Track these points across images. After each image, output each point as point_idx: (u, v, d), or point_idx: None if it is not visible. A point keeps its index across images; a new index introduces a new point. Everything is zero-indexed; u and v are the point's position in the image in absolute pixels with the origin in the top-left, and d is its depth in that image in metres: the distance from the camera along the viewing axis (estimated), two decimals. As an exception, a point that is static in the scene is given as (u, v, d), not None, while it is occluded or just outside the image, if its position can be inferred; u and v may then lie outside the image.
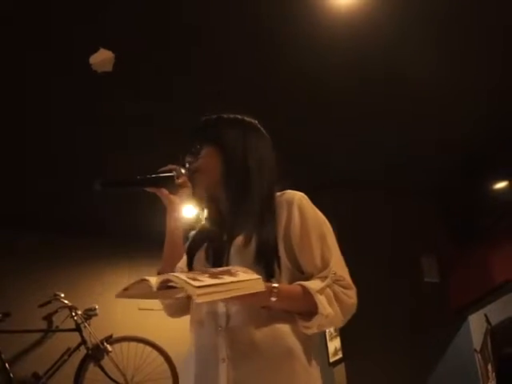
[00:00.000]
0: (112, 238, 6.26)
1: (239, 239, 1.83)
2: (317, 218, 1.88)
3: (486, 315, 5.29)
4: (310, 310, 1.69)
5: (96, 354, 5.41)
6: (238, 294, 1.55)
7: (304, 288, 1.71)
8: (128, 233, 6.20)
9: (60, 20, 3.85)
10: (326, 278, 1.75)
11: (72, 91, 4.44)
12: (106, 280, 6.37)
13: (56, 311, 5.57)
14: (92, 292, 6.17)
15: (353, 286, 1.79)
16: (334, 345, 5.66)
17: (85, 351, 5.45)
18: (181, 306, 2.00)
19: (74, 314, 5.52)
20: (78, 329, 5.50)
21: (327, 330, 5.81)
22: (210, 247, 1.94)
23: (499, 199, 5.44)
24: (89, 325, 5.51)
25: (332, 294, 1.72)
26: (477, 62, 4.60)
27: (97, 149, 5.16)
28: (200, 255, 1.94)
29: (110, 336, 5.51)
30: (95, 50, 3.69)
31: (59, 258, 6.12)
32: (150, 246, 6.38)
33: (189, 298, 1.75)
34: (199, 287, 1.48)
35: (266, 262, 1.76)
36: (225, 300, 1.64)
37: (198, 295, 1.47)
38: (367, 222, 5.93)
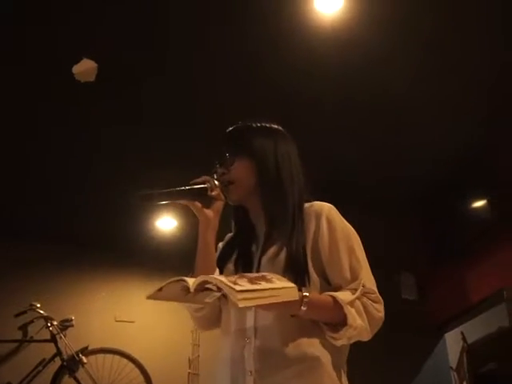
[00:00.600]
0: (89, 249, 6.22)
1: (272, 250, 1.83)
2: (345, 230, 1.89)
3: (462, 333, 5.32)
4: (338, 321, 1.70)
5: (71, 365, 5.35)
6: (274, 301, 1.55)
7: (334, 299, 1.71)
8: (105, 244, 6.17)
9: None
10: (355, 290, 1.75)
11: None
12: (83, 291, 6.32)
13: (32, 321, 5.51)
14: (68, 303, 6.11)
15: (381, 299, 1.81)
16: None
17: (60, 362, 5.39)
18: (212, 318, 1.98)
19: (49, 324, 5.46)
20: (53, 340, 5.44)
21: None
22: (239, 258, 1.93)
23: (478, 218, 5.48)
24: (64, 336, 5.45)
25: (361, 307, 1.73)
26: (460, 78, 4.64)
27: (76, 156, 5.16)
28: (228, 266, 1.93)
29: (86, 347, 5.46)
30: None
31: (36, 268, 6.06)
32: (126, 258, 6.41)
33: (220, 301, 1.78)
34: (241, 291, 1.48)
35: (295, 272, 1.75)
36: (258, 307, 1.62)
37: (239, 300, 1.46)
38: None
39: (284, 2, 3.88)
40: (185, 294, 1.64)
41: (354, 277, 1.79)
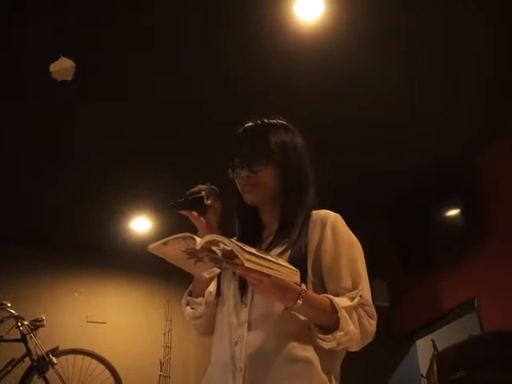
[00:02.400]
0: (61, 249, 6.18)
1: (274, 252, 1.83)
2: (349, 240, 1.89)
3: (433, 341, 5.34)
4: (331, 324, 1.69)
5: (41, 365, 5.30)
6: (276, 275, 1.55)
7: (331, 301, 1.70)
8: (78, 245, 6.14)
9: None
10: (353, 298, 1.75)
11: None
12: (55, 291, 6.28)
13: (1, 321, 5.45)
14: (40, 302, 6.07)
15: (375, 314, 1.81)
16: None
17: (29, 363, 5.34)
18: (210, 326, 1.98)
19: (20, 324, 5.40)
20: (23, 339, 5.38)
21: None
22: None
23: (451, 226, 5.52)
24: (35, 336, 5.40)
25: (356, 317, 1.73)
26: (438, 87, 4.68)
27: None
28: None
29: (56, 348, 5.41)
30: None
31: (7, 267, 6.01)
32: (99, 259, 6.38)
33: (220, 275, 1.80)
34: (249, 252, 1.50)
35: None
36: (257, 289, 1.63)
37: (246, 259, 1.48)
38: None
39: (263, 7, 3.88)
40: (187, 258, 1.64)
41: (354, 287, 1.79)
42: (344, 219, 1.95)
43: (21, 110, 4.56)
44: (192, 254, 1.62)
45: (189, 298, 2.00)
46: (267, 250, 1.86)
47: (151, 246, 1.63)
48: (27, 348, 5.36)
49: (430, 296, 5.87)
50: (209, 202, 1.90)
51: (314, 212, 1.94)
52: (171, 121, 4.75)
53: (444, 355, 4.46)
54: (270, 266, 1.55)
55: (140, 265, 5.78)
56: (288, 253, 1.82)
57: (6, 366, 5.36)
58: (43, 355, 5.29)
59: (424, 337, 5.96)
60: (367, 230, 6.13)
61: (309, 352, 1.74)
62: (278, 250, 1.85)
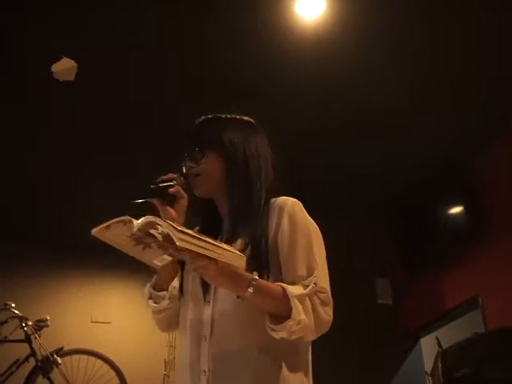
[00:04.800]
0: (65, 249, 6.18)
1: (237, 244, 1.80)
2: (307, 227, 1.86)
3: (437, 338, 5.33)
4: (283, 313, 1.65)
5: (45, 366, 5.31)
6: (215, 257, 1.53)
7: (284, 290, 1.67)
8: (81, 244, 6.12)
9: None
10: (307, 286, 1.71)
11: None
12: (59, 291, 6.29)
13: (6, 321, 5.46)
14: (44, 303, 6.08)
15: (331, 301, 1.76)
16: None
17: (34, 363, 5.35)
18: (172, 321, 1.97)
19: (24, 324, 5.41)
20: (27, 340, 5.38)
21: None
22: None
23: (454, 224, 5.51)
24: (39, 336, 5.40)
25: (310, 305, 1.68)
26: (439, 86, 4.67)
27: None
28: None
29: (61, 348, 5.42)
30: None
31: (11, 268, 6.02)
32: (103, 259, 6.36)
33: (173, 265, 1.76)
34: (182, 232, 1.47)
35: (258, 268, 1.71)
36: (207, 277, 1.61)
37: (178, 239, 1.46)
38: (325, 245, 5.95)
39: (264, 5, 3.88)
40: (134, 244, 1.63)
41: (309, 274, 1.75)
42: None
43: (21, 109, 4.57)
44: (138, 239, 1.61)
45: (152, 290, 1.96)
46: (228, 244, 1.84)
47: (94, 230, 1.62)
48: (31, 348, 5.37)
49: (434, 294, 5.86)
50: (172, 190, 1.87)
51: (272, 200, 1.91)
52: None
53: (448, 353, 4.45)
54: (207, 247, 1.52)
55: (143, 264, 5.77)
56: (248, 247, 1.79)
57: (10, 367, 5.36)
58: (48, 355, 5.30)
59: (428, 334, 5.95)
60: (371, 229, 6.19)
61: (274, 351, 1.72)
62: (237, 244, 1.81)
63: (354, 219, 6.01)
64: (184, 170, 1.93)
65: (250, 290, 1.61)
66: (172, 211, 1.87)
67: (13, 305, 5.43)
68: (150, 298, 1.97)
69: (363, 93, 4.64)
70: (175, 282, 1.94)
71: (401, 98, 4.72)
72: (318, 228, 1.90)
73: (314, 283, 1.73)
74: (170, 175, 1.89)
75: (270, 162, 1.99)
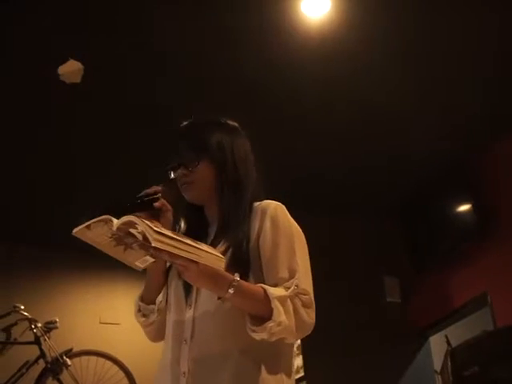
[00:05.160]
0: (73, 251, 6.18)
1: (219, 248, 1.79)
2: (289, 230, 1.85)
3: (446, 336, 5.33)
4: (264, 314, 1.64)
5: (55, 367, 5.32)
6: (193, 258, 1.53)
7: (265, 291, 1.66)
8: (89, 245, 6.14)
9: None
10: (289, 288, 1.71)
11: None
12: (68, 293, 6.30)
13: (15, 323, 5.47)
14: (53, 304, 6.09)
15: (313, 304, 1.75)
16: (296, 363, 5.66)
17: (43, 365, 5.36)
18: (161, 332, 1.96)
19: (33, 326, 5.42)
20: (37, 342, 5.40)
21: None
22: None
23: (462, 221, 5.50)
24: (48, 338, 5.42)
25: (291, 307, 1.68)
26: (444, 85, 4.67)
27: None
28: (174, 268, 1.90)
29: (70, 350, 5.43)
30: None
31: (20, 270, 6.03)
32: (111, 260, 6.37)
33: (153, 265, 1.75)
34: (158, 232, 1.47)
35: (238, 269, 1.70)
36: (188, 278, 1.60)
37: (154, 239, 1.45)
38: (333, 243, 5.97)
39: (270, 5, 3.88)
40: (115, 245, 1.63)
41: (290, 276, 1.75)
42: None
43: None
44: (119, 240, 1.61)
45: (140, 303, 1.97)
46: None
47: (75, 230, 1.62)
48: (41, 350, 5.38)
49: (443, 292, 5.85)
50: (157, 204, 1.86)
51: (256, 204, 1.91)
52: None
53: (458, 351, 4.44)
54: (184, 248, 1.51)
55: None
56: (230, 251, 1.79)
57: (20, 369, 5.38)
58: (57, 357, 5.31)
59: (437, 333, 5.94)
60: (379, 228, 6.19)
61: (253, 354, 1.71)
62: (220, 247, 1.80)
63: (362, 218, 6.01)
64: (172, 176, 1.94)
65: (231, 290, 1.61)
66: (158, 224, 1.85)
67: (22, 307, 5.44)
68: (139, 310, 1.98)
69: (368, 92, 4.64)
70: (161, 296, 1.95)
71: (406, 96, 4.72)
72: (300, 231, 1.90)
73: (296, 285, 1.72)
74: (155, 188, 1.88)
75: (254, 166, 2.00)
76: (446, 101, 4.81)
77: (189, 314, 1.81)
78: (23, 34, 3.89)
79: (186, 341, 1.77)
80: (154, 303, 1.95)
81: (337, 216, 5.93)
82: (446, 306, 5.78)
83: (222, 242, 1.83)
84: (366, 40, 4.16)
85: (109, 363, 5.56)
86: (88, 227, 1.60)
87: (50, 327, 5.49)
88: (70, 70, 3.62)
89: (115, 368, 5.54)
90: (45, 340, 5.40)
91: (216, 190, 1.92)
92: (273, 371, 1.72)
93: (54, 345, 5.39)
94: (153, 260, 1.69)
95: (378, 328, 5.85)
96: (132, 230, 1.54)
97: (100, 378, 5.56)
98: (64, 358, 5.32)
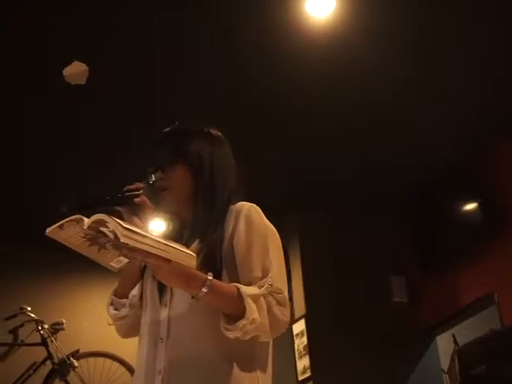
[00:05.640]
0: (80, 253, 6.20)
1: (192, 248, 1.80)
2: (263, 230, 1.87)
3: (453, 335, 5.31)
4: (238, 313, 1.65)
5: (62, 369, 5.32)
6: (162, 255, 1.53)
7: (238, 290, 1.68)
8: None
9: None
10: (262, 287, 1.72)
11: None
12: (74, 294, 6.31)
13: (22, 325, 5.48)
14: (59, 306, 6.09)
15: (288, 303, 1.76)
16: (302, 363, 5.66)
17: (50, 366, 5.37)
18: (133, 327, 1.99)
19: (40, 327, 5.43)
20: (44, 343, 5.41)
21: (296, 348, 5.81)
22: None
23: (468, 220, 5.49)
24: (55, 339, 5.42)
25: (265, 305, 1.69)
26: (450, 84, 4.66)
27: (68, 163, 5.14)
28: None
29: (77, 351, 5.43)
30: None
31: (26, 271, 6.04)
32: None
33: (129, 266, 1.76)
34: (127, 229, 1.47)
35: (212, 269, 1.72)
36: (160, 277, 1.61)
37: (123, 235, 1.46)
38: (339, 243, 5.98)
39: (274, 4, 3.88)
40: (88, 245, 1.63)
41: (264, 275, 1.76)
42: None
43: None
44: (92, 239, 1.62)
45: (113, 297, 2.00)
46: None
47: (48, 230, 1.63)
48: (48, 351, 5.39)
49: (450, 291, 5.84)
50: (137, 200, 1.89)
51: (231, 207, 1.92)
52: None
53: (465, 350, 4.44)
54: (153, 244, 1.51)
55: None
56: (202, 252, 1.80)
57: (27, 370, 5.38)
58: (64, 358, 5.31)
59: (444, 332, 5.92)
60: (385, 228, 6.18)
61: (228, 353, 1.73)
62: (193, 247, 1.82)
63: (369, 218, 6.00)
64: (151, 180, 1.95)
65: (204, 289, 1.62)
66: (137, 220, 1.89)
67: (29, 308, 5.45)
68: (111, 304, 2.00)
69: (373, 92, 4.63)
70: (135, 290, 1.96)
71: (412, 96, 4.72)
72: (275, 231, 1.91)
73: (270, 284, 1.73)
74: (137, 184, 1.91)
75: (235, 175, 2.01)
76: (453, 99, 4.80)
77: (164, 313, 1.83)
78: (23, 32, 3.91)
79: (161, 340, 1.79)
80: (127, 297, 1.97)
81: (343, 216, 5.93)
82: (453, 305, 5.77)
83: (195, 243, 1.85)
84: (370, 39, 4.16)
85: (116, 364, 5.57)
86: (61, 227, 1.61)
87: (56, 328, 5.49)
88: (75, 71, 3.62)
89: (122, 369, 5.55)
90: (52, 341, 5.41)
91: (191, 196, 1.94)
92: (247, 369, 1.74)
93: (61, 346, 5.40)
94: (127, 260, 1.71)
95: (384, 328, 5.84)
96: (103, 229, 1.55)
97: (107, 379, 5.57)
98: (71, 359, 5.33)
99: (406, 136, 5.16)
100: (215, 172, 1.95)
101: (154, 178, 1.94)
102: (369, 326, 5.74)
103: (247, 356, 1.76)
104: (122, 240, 1.46)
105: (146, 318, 1.89)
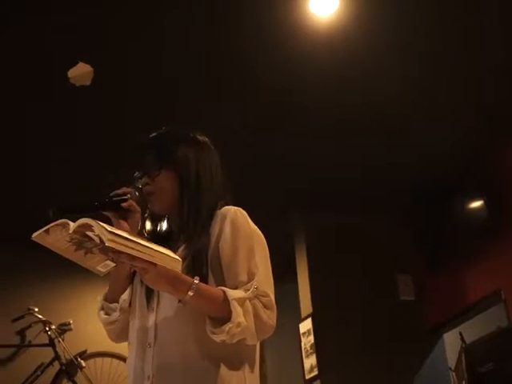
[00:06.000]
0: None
1: (179, 252, 1.83)
2: (249, 233, 1.88)
3: (460, 333, 5.30)
4: (224, 316, 1.66)
5: (69, 369, 5.35)
6: (147, 259, 1.54)
7: (224, 293, 1.69)
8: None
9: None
10: (248, 290, 1.74)
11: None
12: (81, 294, 6.31)
13: (29, 326, 5.51)
14: (66, 306, 6.10)
15: (274, 306, 1.78)
16: (310, 362, 5.66)
17: (58, 367, 5.39)
18: (123, 332, 2.02)
19: (47, 328, 5.46)
20: (51, 344, 5.43)
21: (303, 347, 5.81)
22: None
23: (474, 218, 5.48)
24: (63, 340, 5.45)
25: (251, 308, 1.70)
26: (453, 82, 4.65)
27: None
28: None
29: (85, 351, 5.46)
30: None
31: (33, 272, 6.05)
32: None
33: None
34: (112, 233, 1.48)
35: (198, 273, 1.73)
36: (146, 280, 1.62)
37: (108, 239, 1.47)
38: (345, 242, 5.98)
39: (278, 4, 3.88)
40: (75, 249, 1.64)
41: (250, 279, 1.78)
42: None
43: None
44: (78, 244, 1.62)
45: (103, 302, 2.03)
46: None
47: (34, 235, 1.63)
48: (55, 352, 5.41)
49: (456, 289, 5.83)
50: (125, 205, 1.89)
51: (217, 211, 1.94)
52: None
53: (472, 348, 4.43)
54: (139, 249, 1.52)
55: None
56: (190, 254, 1.82)
57: (35, 371, 5.41)
58: (72, 359, 5.34)
59: (451, 330, 5.91)
60: (391, 226, 6.18)
61: (214, 356, 1.74)
62: (180, 251, 1.84)
63: (375, 217, 6.00)
64: (138, 185, 1.96)
65: (190, 293, 1.63)
66: (125, 224, 1.89)
67: (36, 309, 5.48)
68: (102, 309, 2.04)
69: (377, 91, 4.63)
70: (125, 295, 1.98)
71: (417, 94, 4.71)
72: (261, 234, 1.93)
73: (255, 287, 1.74)
74: (124, 189, 1.92)
75: (221, 180, 2.03)
76: (458, 98, 4.80)
77: (151, 318, 1.85)
78: (22, 32, 3.91)
79: (149, 345, 1.81)
80: (117, 302, 1.99)
81: (349, 215, 5.93)
82: (460, 303, 5.76)
83: (182, 248, 1.87)
84: (374, 38, 4.15)
85: (123, 364, 5.58)
86: (47, 232, 1.61)
87: (64, 329, 5.52)
88: (80, 72, 3.62)
89: (129, 369, 5.56)
90: (59, 342, 5.44)
91: (178, 200, 1.95)
92: (234, 369, 1.76)
93: (69, 347, 5.42)
94: (114, 265, 1.72)
95: (391, 326, 5.84)
96: (89, 233, 1.56)
97: (114, 379, 5.58)
98: (78, 359, 5.35)
99: (411, 135, 5.15)
100: (201, 177, 1.97)
101: (140, 183, 1.95)
102: (375, 324, 5.74)
103: (234, 357, 1.77)
104: (107, 244, 1.47)
105: (135, 324, 1.91)
